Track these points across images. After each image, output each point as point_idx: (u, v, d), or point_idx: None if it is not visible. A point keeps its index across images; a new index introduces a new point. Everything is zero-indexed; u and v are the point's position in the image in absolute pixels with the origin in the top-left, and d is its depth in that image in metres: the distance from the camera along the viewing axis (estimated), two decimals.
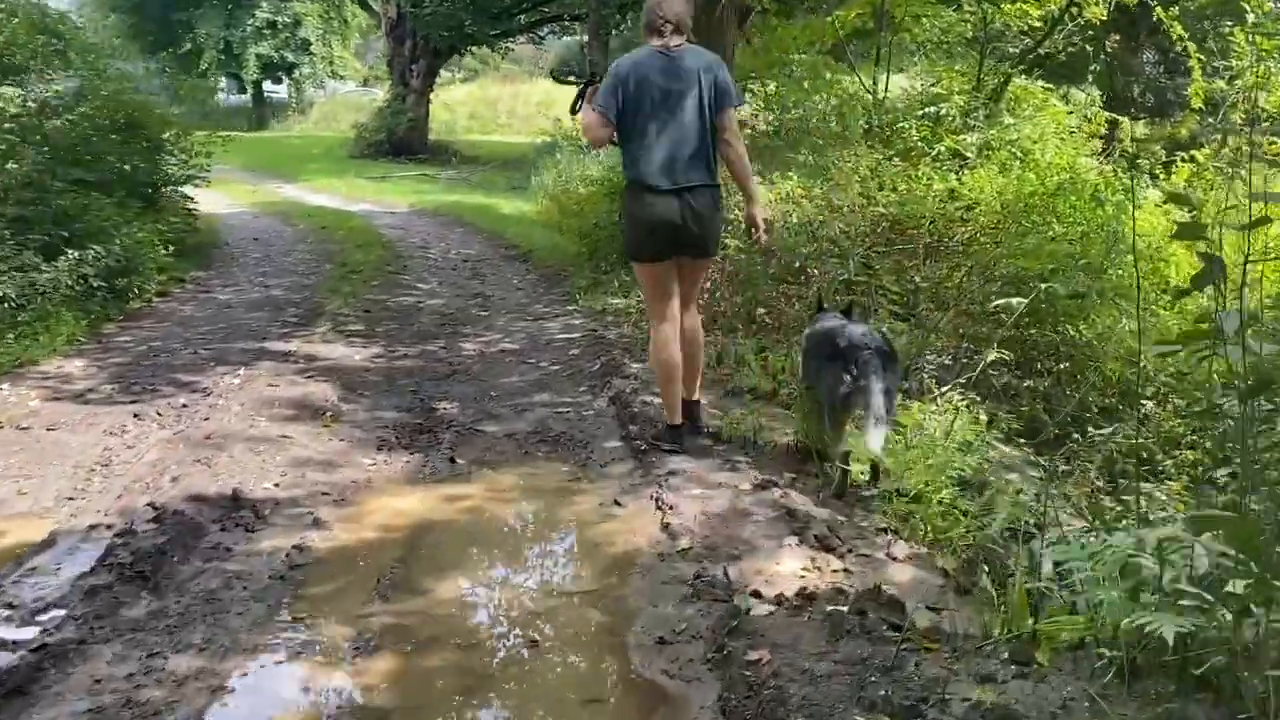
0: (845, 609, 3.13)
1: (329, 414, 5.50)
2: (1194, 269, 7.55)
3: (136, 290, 8.58)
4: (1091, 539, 2.37)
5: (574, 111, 4.97)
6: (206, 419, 5.31)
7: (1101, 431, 5.24)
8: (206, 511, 4.08)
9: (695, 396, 5.06)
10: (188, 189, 11.93)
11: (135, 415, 5.46)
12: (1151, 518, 3.43)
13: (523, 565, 3.88)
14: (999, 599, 3.21)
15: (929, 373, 6.58)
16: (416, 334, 7.63)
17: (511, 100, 37.85)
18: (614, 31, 25.73)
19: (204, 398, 5.77)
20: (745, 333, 6.95)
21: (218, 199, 17.50)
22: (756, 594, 3.34)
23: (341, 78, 39.92)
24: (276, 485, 4.45)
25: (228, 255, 11.46)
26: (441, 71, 47.47)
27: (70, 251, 7.76)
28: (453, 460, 4.89)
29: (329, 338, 7.39)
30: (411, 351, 7.06)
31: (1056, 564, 2.59)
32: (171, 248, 10.12)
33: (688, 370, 4.89)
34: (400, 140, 25.83)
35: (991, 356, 4.67)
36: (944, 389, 6.20)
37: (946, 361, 7.06)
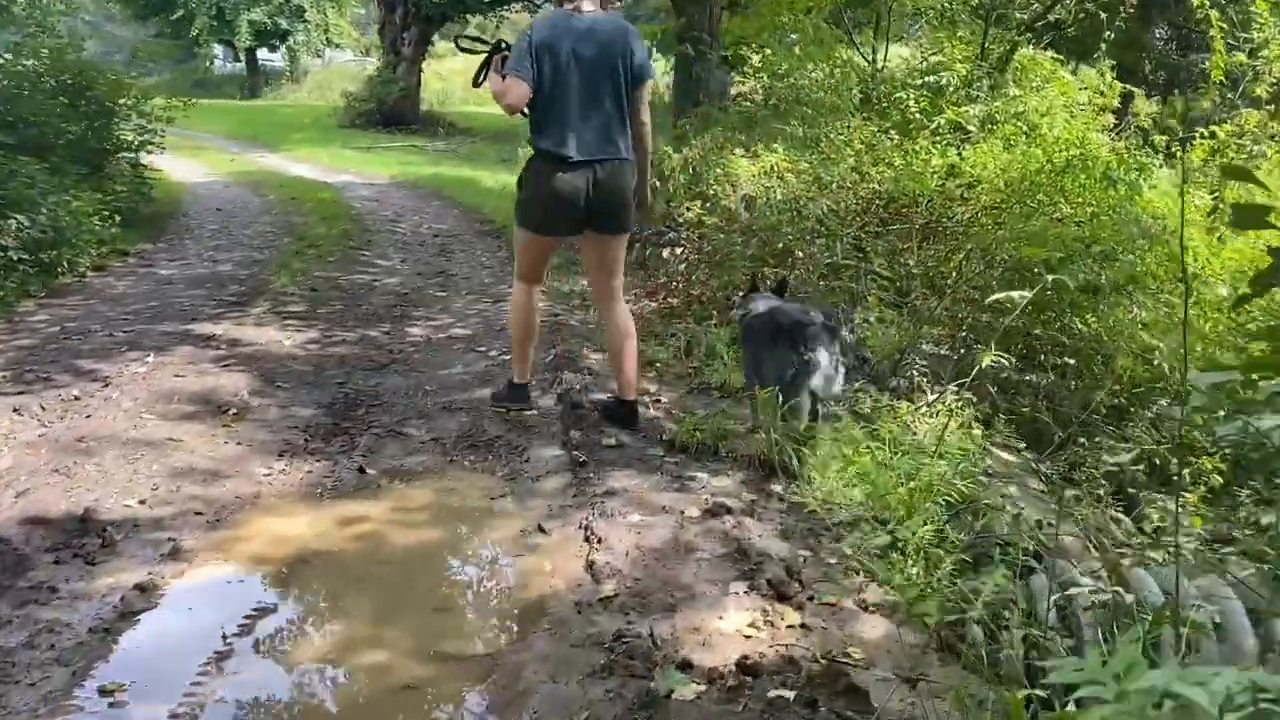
0: (791, 695, 2.44)
1: (234, 411, 4.80)
2: (1216, 257, 6.88)
3: (67, 264, 7.86)
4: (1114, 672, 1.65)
5: (477, 83, 4.59)
6: (89, 416, 4.61)
7: (1117, 445, 4.55)
8: (43, 538, 3.38)
9: (631, 397, 4.70)
10: (154, 157, 11.22)
11: (15, 410, 4.76)
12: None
13: (407, 618, 3.17)
14: (990, 668, 2.56)
15: (920, 368, 5.87)
16: (362, 317, 6.91)
17: None
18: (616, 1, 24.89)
19: (100, 389, 5.06)
20: (719, 321, 6.23)
21: (193, 168, 16.79)
22: (686, 665, 2.65)
23: (338, 46, 38.99)
24: (142, 502, 3.75)
25: (183, 227, 10.73)
26: (438, 41, 46.59)
27: None
28: (362, 470, 4.19)
29: (263, 320, 6.68)
30: (350, 337, 6.35)
31: (1067, 689, 1.90)
32: (118, 218, 9.41)
33: (621, 367, 4.67)
34: (391, 110, 25.00)
35: (986, 360, 3.94)
36: (936, 389, 5.51)
37: (942, 352, 6.36)
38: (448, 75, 32.98)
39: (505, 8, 27.38)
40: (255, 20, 34.51)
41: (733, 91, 11.60)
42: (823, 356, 4.08)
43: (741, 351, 4.81)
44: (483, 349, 6.20)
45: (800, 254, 7.02)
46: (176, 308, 7.03)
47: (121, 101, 10.68)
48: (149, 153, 10.98)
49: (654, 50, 15.01)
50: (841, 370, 4.30)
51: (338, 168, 17.56)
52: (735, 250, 7.16)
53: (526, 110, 4.31)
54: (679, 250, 7.58)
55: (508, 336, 6.39)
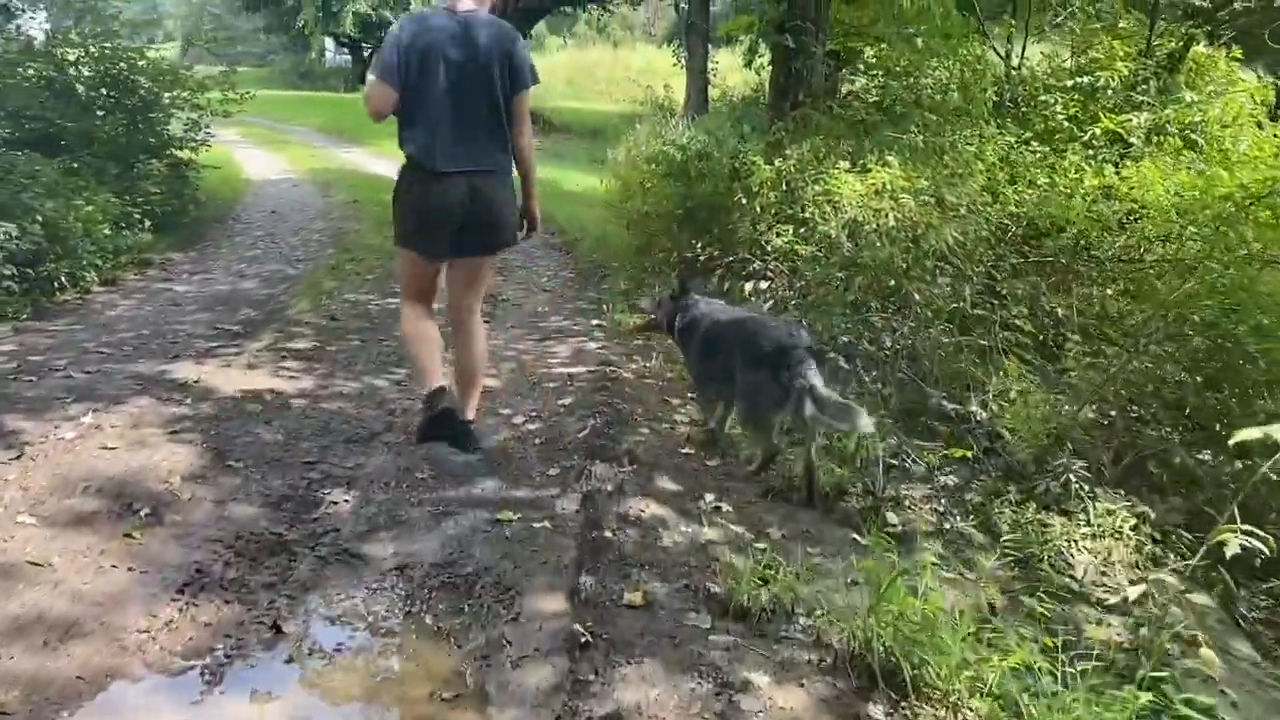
0: None
1: (147, 512, 3.57)
2: None
3: (66, 279, 6.84)
4: None
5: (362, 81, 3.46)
6: None
7: None
8: None
9: (469, 416, 4.22)
10: (241, 151, 10.30)
11: None
12: None
13: None
14: None
15: (1077, 467, 4.35)
16: (375, 359, 5.68)
17: (611, 66, 35.74)
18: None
19: (4, 463, 3.91)
20: None
21: (270, 163, 15.96)
22: None
23: None
24: None
25: (226, 233, 9.72)
26: (549, 36, 45.71)
27: None
28: (277, 628, 2.91)
29: (258, 359, 5.50)
30: (350, 389, 5.11)
31: None
32: (147, 223, 8.44)
33: (464, 383, 4.26)
34: None
35: (1233, 545, 2.47)
36: (1090, 491, 4.05)
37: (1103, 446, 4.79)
38: (544, 69, 31.98)
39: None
40: (360, 12, 34.03)
41: (841, 91, 10.10)
42: (814, 380, 3.75)
43: (690, 360, 4.58)
44: (507, 412, 4.89)
45: (917, 296, 5.54)
46: (167, 339, 5.91)
47: (170, 95, 9.71)
48: (192, 149, 10.00)
49: (756, 42, 13.59)
50: (833, 393, 3.88)
51: None
52: (835, 288, 5.73)
53: (395, 116, 3.92)
54: (764, 285, 6.16)
55: (544, 392, 5.13)
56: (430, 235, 4.02)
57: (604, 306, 6.91)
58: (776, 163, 6.70)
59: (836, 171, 6.35)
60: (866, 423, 3.64)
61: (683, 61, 23.18)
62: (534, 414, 4.84)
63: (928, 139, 6.73)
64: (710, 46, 23.23)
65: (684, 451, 4.45)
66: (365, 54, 38.41)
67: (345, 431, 4.50)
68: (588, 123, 24.77)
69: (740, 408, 4.16)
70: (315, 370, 5.38)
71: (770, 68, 8.66)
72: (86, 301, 6.82)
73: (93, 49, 9.03)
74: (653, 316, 4.92)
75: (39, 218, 6.60)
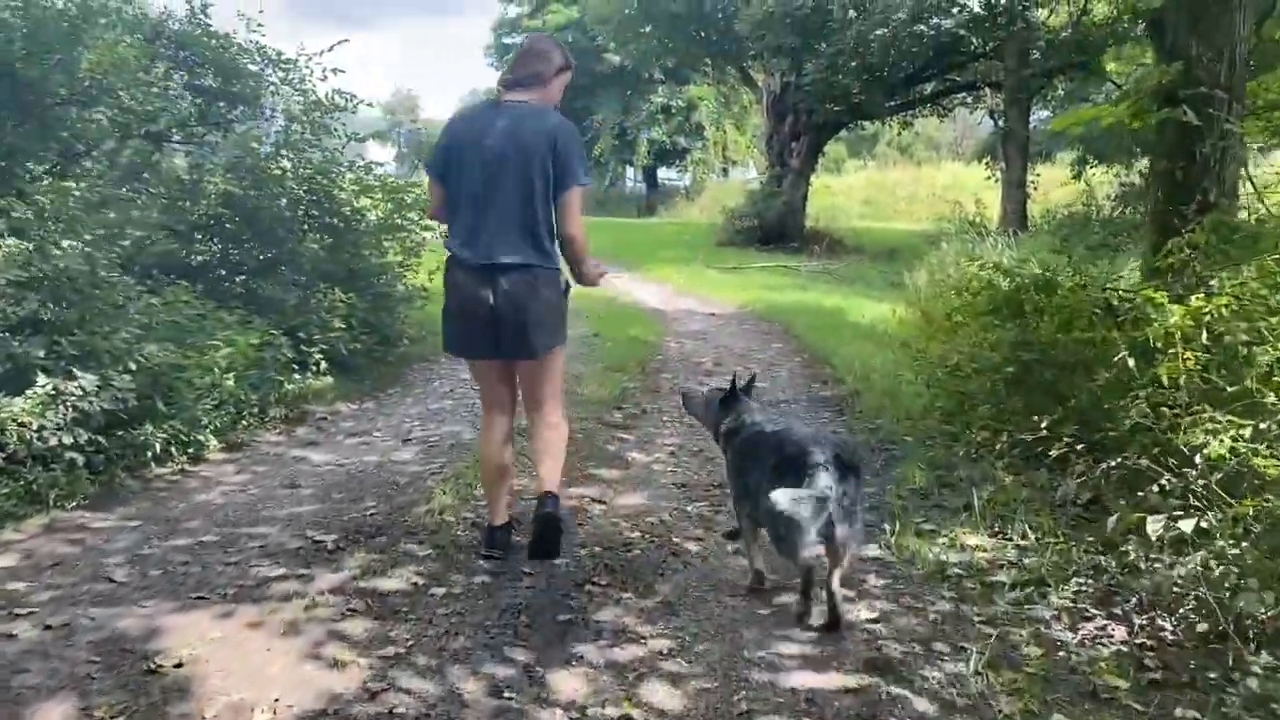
0: None
1: None
2: None
3: (168, 446, 5.14)
4: None
5: None
6: None
7: None
8: None
9: (549, 488, 3.77)
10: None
11: None
12: None
13: None
14: None
15: None
16: (498, 622, 3.39)
17: (913, 184, 33.10)
18: (1036, 97, 20.38)
19: None
20: None
21: None
22: None
23: (734, 163, 37.38)
24: None
25: (425, 375, 7.97)
26: (848, 159, 43.78)
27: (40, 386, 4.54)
28: None
29: (314, 610, 3.39)
30: (421, 692, 2.84)
31: None
32: (322, 364, 6.81)
33: (544, 462, 3.86)
34: (771, 226, 22.08)
35: None
36: None
37: None
38: (843, 190, 29.83)
39: (909, 113, 23.65)
40: (655, 139, 33.64)
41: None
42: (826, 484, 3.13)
43: (732, 475, 3.84)
44: None
45: None
46: (229, 553, 3.96)
47: (377, 212, 8.25)
48: (401, 275, 8.45)
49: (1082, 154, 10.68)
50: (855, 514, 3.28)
51: (685, 291, 14.64)
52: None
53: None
54: (1183, 522, 3.31)
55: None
56: (463, 331, 3.79)
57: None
58: (1192, 300, 3.89)
59: None
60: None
61: (997, 174, 20.22)
62: None
63: None
64: (1029, 159, 20.18)
65: None
66: (659, 181, 38.10)
67: None
68: (884, 243, 22.21)
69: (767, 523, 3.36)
70: (383, 644, 3.16)
71: (1152, 159, 5.85)
72: (183, 478, 5.08)
73: (297, 161, 7.72)
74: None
75: (134, 364, 4.96)
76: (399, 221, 8.82)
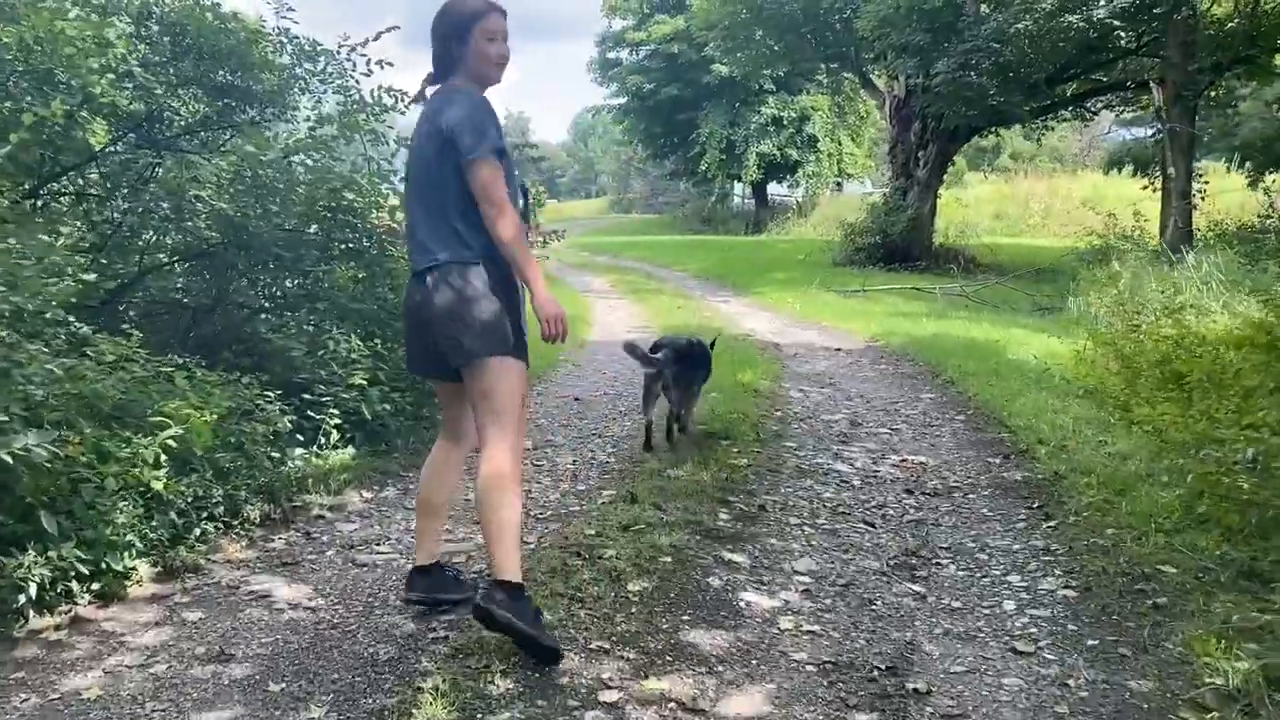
0: None
1: None
2: None
3: (49, 585, 3.44)
4: None
5: None
6: None
7: None
8: None
9: (503, 576, 3.04)
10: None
11: None
12: None
13: None
14: None
15: None
16: None
17: (1048, 197, 30.24)
18: (1205, 95, 17.61)
19: None
20: None
21: (626, 316, 12.79)
22: None
23: (850, 176, 35.03)
24: None
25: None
26: (969, 172, 40.96)
27: None
28: None
29: None
30: None
31: None
32: (334, 431, 5.12)
33: (483, 530, 3.15)
34: (895, 243, 19.83)
35: None
36: None
37: None
38: (971, 202, 27.26)
39: (1049, 117, 21.09)
40: (764, 153, 31.60)
41: None
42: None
43: None
44: None
45: None
46: None
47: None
48: None
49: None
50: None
51: (805, 320, 12.59)
52: None
53: None
54: None
55: None
56: (408, 345, 3.47)
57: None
58: None
59: None
60: None
61: (1155, 184, 17.59)
62: None
63: None
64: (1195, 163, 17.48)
65: None
66: (769, 197, 36.03)
67: None
68: (1025, 261, 19.71)
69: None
70: None
71: None
72: (69, 635, 3.35)
73: (318, 170, 6.03)
74: None
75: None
76: None
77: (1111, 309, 9.01)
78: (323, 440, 5.21)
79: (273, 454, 4.77)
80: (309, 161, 6.25)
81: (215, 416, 4.26)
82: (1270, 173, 16.96)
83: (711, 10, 22.56)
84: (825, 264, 20.33)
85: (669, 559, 3.93)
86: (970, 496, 5.03)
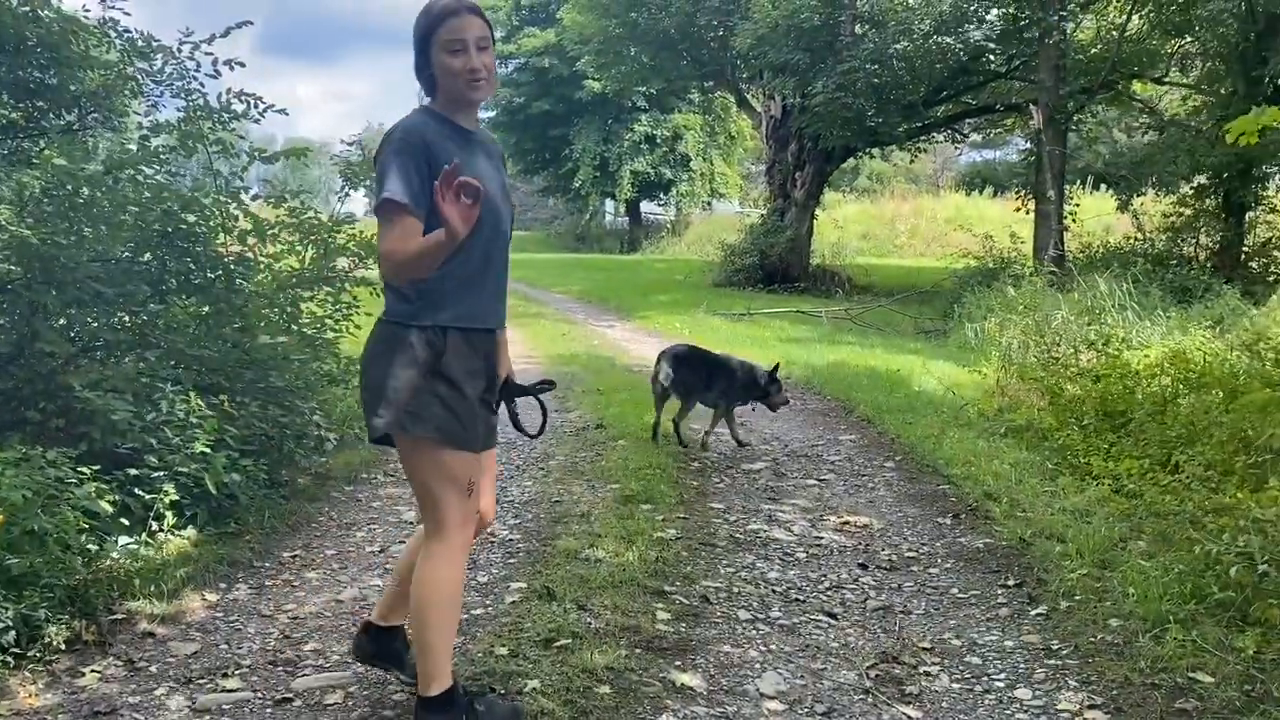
0: None
1: None
2: None
3: None
4: None
5: None
6: None
7: None
8: None
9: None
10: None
11: None
12: None
13: None
14: None
15: None
16: None
17: (914, 217, 30.67)
18: (1074, 121, 17.80)
19: None
20: None
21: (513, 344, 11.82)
22: None
23: (723, 196, 34.86)
24: None
25: (348, 511, 5.15)
26: (827, 191, 41.52)
27: None
28: None
29: None
30: None
31: None
32: (170, 519, 4.08)
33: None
34: (774, 264, 19.49)
35: None
36: None
37: None
38: (844, 222, 27.32)
39: (923, 139, 21.17)
40: (638, 171, 31.07)
41: None
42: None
43: None
44: None
45: None
46: None
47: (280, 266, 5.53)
48: (325, 348, 5.71)
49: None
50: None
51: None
52: None
53: None
54: None
55: None
56: None
57: None
58: None
59: None
60: None
61: (1029, 204, 17.70)
62: None
63: None
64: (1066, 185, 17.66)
65: None
66: (643, 215, 35.58)
67: None
68: (898, 282, 19.68)
69: None
70: None
71: None
72: None
73: (145, 186, 4.94)
74: None
75: None
76: (327, 272, 6.10)
77: (1023, 338, 8.61)
78: (154, 524, 4.15)
79: (89, 546, 3.73)
80: (140, 178, 5.14)
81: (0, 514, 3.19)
82: (1138, 196, 17.27)
83: (584, 24, 21.87)
84: (705, 285, 19.83)
85: (607, 689, 3.08)
86: (932, 570, 4.35)
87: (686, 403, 6.54)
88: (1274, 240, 15.22)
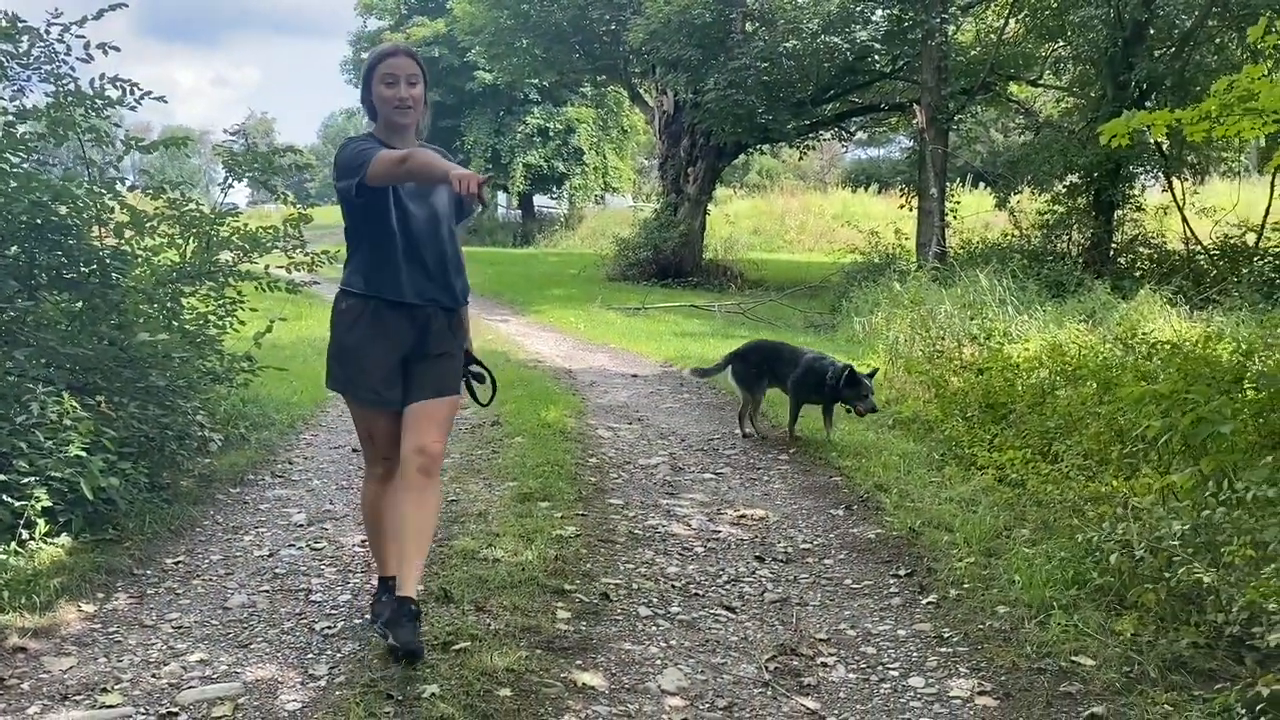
0: None
1: None
2: None
3: None
4: None
5: None
6: None
7: None
8: None
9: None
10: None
11: None
12: None
13: None
14: None
15: None
16: None
17: (802, 213, 31.25)
18: (955, 121, 18.37)
19: None
20: None
21: None
22: None
23: (615, 190, 34.90)
24: None
25: (234, 514, 4.97)
26: (719, 187, 42.02)
27: None
28: None
29: None
30: None
31: None
32: (42, 527, 3.85)
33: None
34: (667, 259, 19.62)
35: None
36: None
37: None
38: (735, 217, 27.67)
39: (811, 136, 21.56)
40: (531, 164, 30.85)
41: None
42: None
43: None
44: None
45: None
46: None
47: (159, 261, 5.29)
48: (209, 343, 5.50)
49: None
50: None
51: (593, 342, 11.90)
52: None
53: None
54: None
55: None
56: None
57: None
58: None
59: None
60: None
61: (912, 201, 18.20)
62: None
63: None
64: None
65: None
66: (535, 209, 35.34)
67: None
68: (789, 276, 20.01)
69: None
70: None
71: None
72: None
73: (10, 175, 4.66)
74: None
75: None
76: (210, 267, 5.87)
77: (908, 331, 8.85)
78: (25, 532, 3.93)
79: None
80: (5, 166, 4.84)
81: None
82: (1015, 194, 17.94)
83: (475, 15, 21.57)
84: (600, 279, 19.82)
85: (508, 691, 3.04)
86: (827, 562, 4.44)
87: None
88: (1140, 237, 16.00)
